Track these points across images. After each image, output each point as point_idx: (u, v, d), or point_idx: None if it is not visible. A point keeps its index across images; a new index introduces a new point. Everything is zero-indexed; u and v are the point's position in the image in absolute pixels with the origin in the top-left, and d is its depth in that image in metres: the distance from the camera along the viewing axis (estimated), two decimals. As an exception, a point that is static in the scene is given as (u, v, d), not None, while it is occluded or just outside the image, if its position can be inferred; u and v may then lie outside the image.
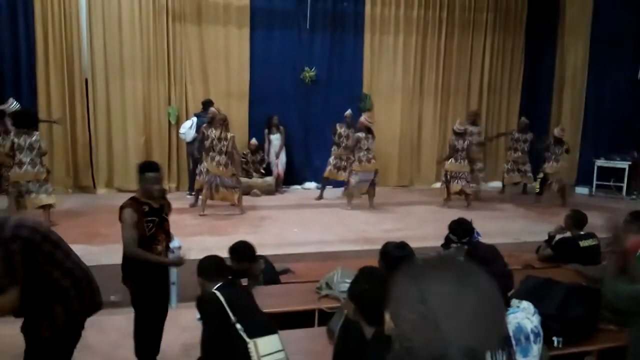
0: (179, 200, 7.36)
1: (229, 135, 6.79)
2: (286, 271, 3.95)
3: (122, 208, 3.08)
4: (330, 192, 8.41)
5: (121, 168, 8.32)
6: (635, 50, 9.36)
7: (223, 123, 6.75)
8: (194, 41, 8.68)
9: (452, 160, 7.70)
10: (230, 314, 2.59)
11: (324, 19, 9.21)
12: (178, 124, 8.46)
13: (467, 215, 4.01)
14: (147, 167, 3.16)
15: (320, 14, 9.18)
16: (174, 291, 3.36)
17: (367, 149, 7.33)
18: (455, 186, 7.66)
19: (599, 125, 9.64)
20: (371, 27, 9.39)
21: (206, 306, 2.71)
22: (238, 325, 2.55)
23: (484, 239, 3.73)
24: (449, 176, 7.75)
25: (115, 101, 8.34)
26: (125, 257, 3.15)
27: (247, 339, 2.51)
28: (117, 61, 8.24)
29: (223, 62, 8.86)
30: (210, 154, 6.70)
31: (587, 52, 9.76)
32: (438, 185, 9.90)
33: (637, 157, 9.03)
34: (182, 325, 4.10)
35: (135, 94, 8.39)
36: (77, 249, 5.10)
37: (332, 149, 8.22)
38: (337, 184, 8.46)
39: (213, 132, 6.70)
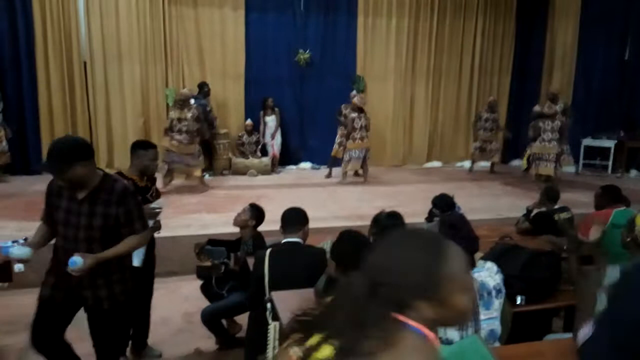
0: (177, 179, 7.59)
1: (189, 114, 7.12)
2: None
3: None
4: (335, 170, 8.65)
5: (121, 149, 8.51)
6: (623, 31, 9.52)
7: (183, 104, 7.11)
8: (189, 24, 8.81)
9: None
10: (267, 288, 2.52)
11: (317, 1, 9.33)
12: (176, 105, 8.64)
13: (455, 191, 4.25)
14: (145, 144, 3.20)
15: (315, -4, 9.29)
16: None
17: (361, 128, 7.80)
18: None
19: (586, 105, 9.83)
20: (364, 10, 9.52)
21: (254, 263, 2.71)
22: (268, 305, 2.50)
23: (469, 214, 3.98)
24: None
25: (114, 84, 8.51)
26: None
27: (270, 321, 2.47)
28: (114, 44, 8.39)
29: (219, 44, 9.00)
30: (170, 134, 7.04)
31: (576, 33, 9.90)
32: (431, 164, 10.21)
33: (623, 137, 9.28)
34: (184, 295, 4.39)
35: (133, 76, 8.56)
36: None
37: (339, 129, 8.50)
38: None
39: (172, 113, 7.08)
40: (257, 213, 3.46)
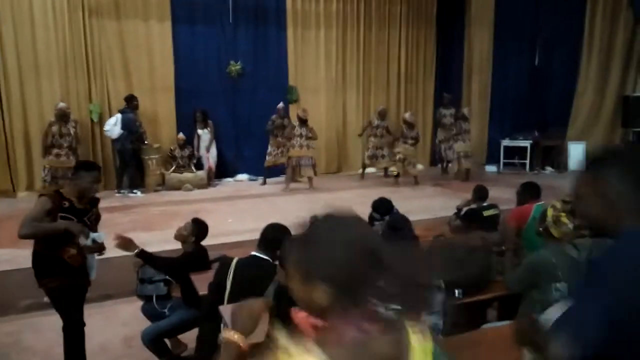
0: (106, 198, 7.26)
1: (72, 130, 7.36)
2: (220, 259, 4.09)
3: (39, 195, 2.98)
4: (270, 180, 9.00)
5: (42, 169, 8.01)
6: (533, 39, 10.36)
7: (62, 118, 7.27)
8: (113, 36, 8.49)
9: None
10: (227, 293, 2.50)
11: (246, 13, 9.33)
12: (101, 121, 8.28)
13: (389, 195, 4.41)
14: (88, 165, 3.10)
15: (243, 8, 9.28)
16: (93, 259, 3.15)
17: (300, 136, 8.22)
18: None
19: (503, 108, 10.60)
20: (293, 22, 9.64)
21: (218, 268, 2.65)
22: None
23: (407, 216, 4.14)
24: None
25: (32, 101, 8.00)
26: (34, 253, 2.99)
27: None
28: (31, 60, 7.91)
29: (145, 56, 8.74)
30: (54, 150, 7.22)
31: (491, 42, 10.64)
32: (365, 170, 10.44)
33: (537, 137, 10.05)
34: (122, 319, 4.20)
35: (53, 93, 8.09)
36: (5, 253, 4.99)
37: (270, 139, 8.69)
38: (276, 172, 8.97)
39: (53, 128, 7.21)
40: (198, 229, 3.40)
